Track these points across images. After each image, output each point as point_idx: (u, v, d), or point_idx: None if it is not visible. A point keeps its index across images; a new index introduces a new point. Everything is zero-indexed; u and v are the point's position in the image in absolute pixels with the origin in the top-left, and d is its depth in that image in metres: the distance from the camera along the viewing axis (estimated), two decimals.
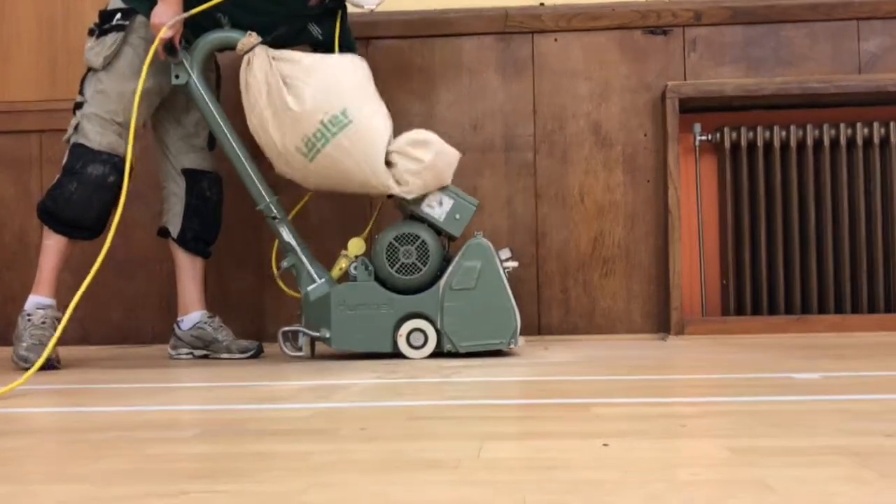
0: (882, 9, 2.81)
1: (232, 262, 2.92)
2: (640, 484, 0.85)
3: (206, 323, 2.54)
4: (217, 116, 2.43)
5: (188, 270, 2.56)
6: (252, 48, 2.34)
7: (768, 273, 2.82)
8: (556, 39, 2.88)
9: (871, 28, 2.82)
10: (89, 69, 2.41)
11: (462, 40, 2.88)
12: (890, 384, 1.61)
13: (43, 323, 2.34)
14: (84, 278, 2.10)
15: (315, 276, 2.37)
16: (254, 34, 2.36)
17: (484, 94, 2.89)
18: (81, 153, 2.34)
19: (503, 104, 2.89)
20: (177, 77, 2.41)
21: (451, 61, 2.90)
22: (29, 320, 2.34)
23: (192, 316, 2.55)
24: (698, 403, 1.45)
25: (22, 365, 2.24)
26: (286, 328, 2.38)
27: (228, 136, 2.43)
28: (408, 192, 2.33)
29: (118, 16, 2.38)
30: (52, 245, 2.39)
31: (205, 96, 2.41)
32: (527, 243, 2.86)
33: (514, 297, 2.30)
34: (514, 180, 2.88)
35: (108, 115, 2.36)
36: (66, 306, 2.11)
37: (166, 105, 2.51)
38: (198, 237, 2.55)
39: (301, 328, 2.35)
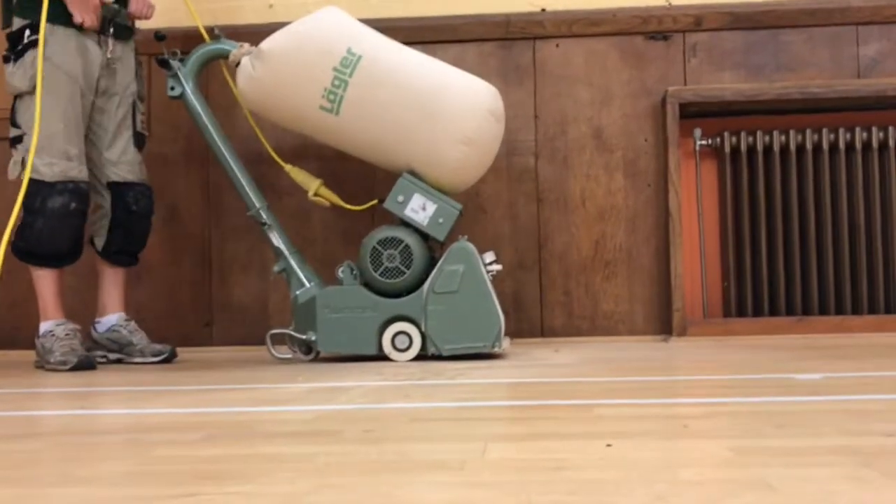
0: (881, 13, 2.82)
1: (235, 266, 2.93)
2: (643, 484, 0.86)
3: (121, 326, 2.52)
4: (210, 126, 2.45)
5: (110, 277, 2.54)
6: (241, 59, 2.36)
7: (769, 275, 2.82)
8: (557, 45, 2.90)
9: (869, 33, 2.83)
10: (16, 97, 2.36)
11: (465, 46, 2.90)
12: (891, 384, 1.61)
13: (67, 335, 2.37)
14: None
15: (304, 280, 2.39)
16: (245, 45, 2.38)
17: None
18: (37, 189, 2.29)
19: (505, 110, 2.90)
20: (172, 89, 2.43)
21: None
22: (53, 335, 2.36)
23: (110, 318, 2.53)
24: (701, 404, 1.46)
25: (61, 368, 2.29)
26: (274, 331, 2.41)
27: (220, 144, 2.45)
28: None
29: (28, 32, 2.34)
30: (44, 275, 2.40)
31: (198, 107, 2.43)
32: (529, 247, 2.87)
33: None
34: (516, 185, 2.89)
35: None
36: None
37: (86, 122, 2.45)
38: (121, 250, 2.52)
39: (289, 331, 2.38)
